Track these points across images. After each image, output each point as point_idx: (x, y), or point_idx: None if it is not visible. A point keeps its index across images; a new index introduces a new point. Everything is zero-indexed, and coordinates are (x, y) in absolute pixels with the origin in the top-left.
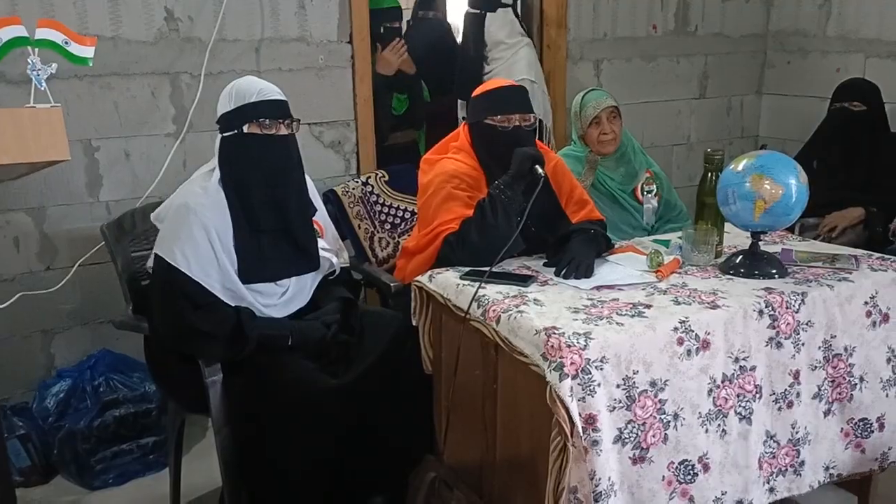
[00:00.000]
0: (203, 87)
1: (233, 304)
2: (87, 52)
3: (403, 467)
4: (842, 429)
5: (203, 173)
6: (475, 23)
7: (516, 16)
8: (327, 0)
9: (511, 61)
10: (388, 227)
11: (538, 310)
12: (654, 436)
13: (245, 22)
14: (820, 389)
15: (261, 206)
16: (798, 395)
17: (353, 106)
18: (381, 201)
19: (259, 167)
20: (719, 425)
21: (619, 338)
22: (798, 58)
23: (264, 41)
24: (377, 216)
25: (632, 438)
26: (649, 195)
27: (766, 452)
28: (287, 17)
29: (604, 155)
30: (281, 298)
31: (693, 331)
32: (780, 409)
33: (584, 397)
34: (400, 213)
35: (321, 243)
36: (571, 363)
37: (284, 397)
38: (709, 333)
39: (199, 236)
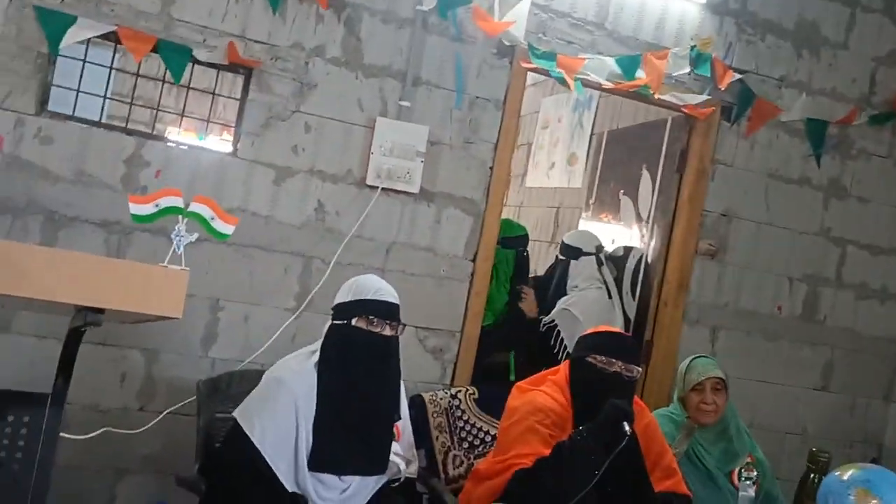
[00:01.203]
0: (331, 272)
1: (290, 489)
2: (227, 229)
3: None
4: None
5: (303, 353)
6: (561, 267)
7: (599, 263)
8: (462, 220)
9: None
10: (466, 445)
11: None
12: None
13: (384, 224)
14: None
15: (352, 394)
16: None
17: (463, 319)
18: (465, 418)
19: (359, 360)
20: None
21: None
22: None
23: (396, 244)
24: (458, 432)
25: None
26: (747, 482)
27: None
28: (422, 228)
29: (702, 425)
30: (342, 494)
31: None
32: None
33: None
34: (481, 435)
35: (395, 447)
36: None
37: None
38: None
39: (283, 410)
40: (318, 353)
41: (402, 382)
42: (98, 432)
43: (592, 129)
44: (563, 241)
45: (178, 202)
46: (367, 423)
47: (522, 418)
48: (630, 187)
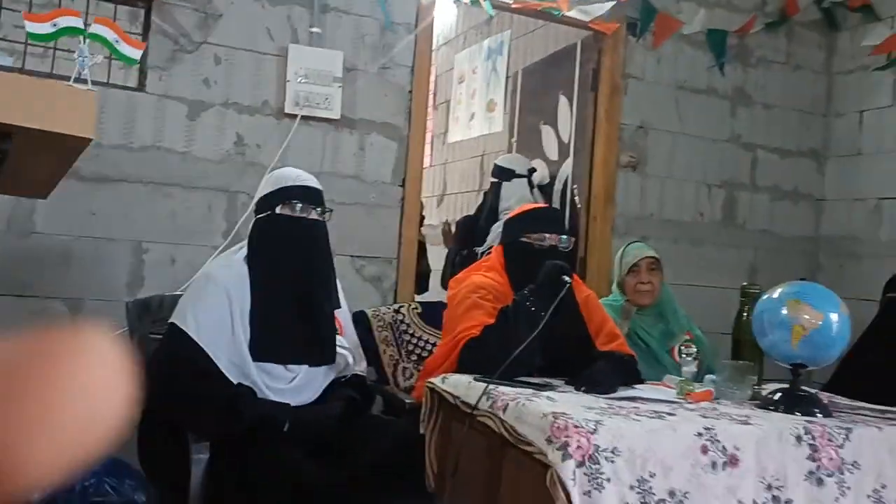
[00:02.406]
0: None
1: (235, 381)
2: (135, 53)
3: None
4: None
5: (229, 251)
6: (493, 191)
7: (531, 186)
8: (386, 146)
9: None
10: (414, 357)
11: (549, 402)
12: None
13: (307, 154)
14: None
15: (283, 280)
16: None
17: (398, 245)
18: (410, 331)
19: (286, 247)
20: None
21: (635, 430)
22: (851, 262)
23: (321, 174)
24: (404, 345)
25: None
26: (688, 358)
27: None
28: (346, 156)
29: (640, 306)
30: (289, 384)
31: (719, 441)
32: None
33: (589, 491)
34: (429, 347)
35: (339, 340)
36: (578, 446)
37: (270, 486)
38: (738, 449)
39: (215, 302)
40: (245, 248)
41: (336, 274)
42: None
43: (507, 73)
44: (495, 164)
45: (77, 22)
46: (305, 310)
47: (464, 298)
48: (549, 116)
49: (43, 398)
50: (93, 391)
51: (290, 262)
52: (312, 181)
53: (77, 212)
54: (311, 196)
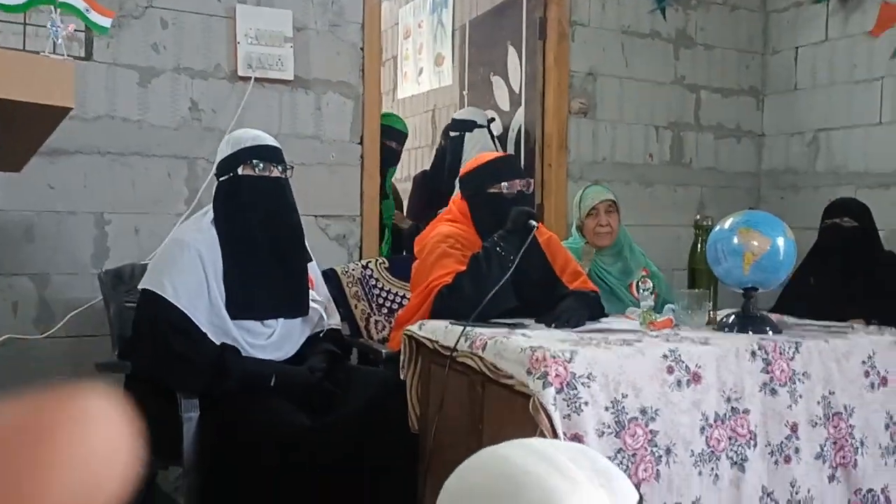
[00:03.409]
0: None
1: (217, 342)
2: (105, 21)
3: None
4: (849, 500)
5: (196, 216)
6: (456, 144)
7: (492, 137)
8: (342, 104)
9: None
10: (384, 311)
11: (525, 338)
12: (645, 470)
13: (264, 117)
14: (823, 450)
15: (253, 239)
16: (797, 450)
17: (360, 203)
18: (379, 285)
19: (252, 206)
20: (712, 469)
21: (607, 356)
22: (791, 193)
23: (280, 136)
24: (375, 299)
25: (622, 470)
26: (646, 292)
27: None
28: (304, 117)
29: (599, 248)
30: (268, 340)
31: (683, 361)
32: (776, 462)
33: (569, 415)
34: (398, 300)
35: (311, 294)
36: (556, 375)
37: (258, 434)
38: (699, 367)
39: (189, 266)
40: (211, 212)
41: (302, 230)
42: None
43: (454, 26)
44: (453, 119)
45: None
46: (276, 265)
47: (434, 248)
48: (499, 67)
49: (41, 475)
50: (95, 463)
51: (258, 220)
52: (270, 140)
53: (35, 187)
54: (270, 154)
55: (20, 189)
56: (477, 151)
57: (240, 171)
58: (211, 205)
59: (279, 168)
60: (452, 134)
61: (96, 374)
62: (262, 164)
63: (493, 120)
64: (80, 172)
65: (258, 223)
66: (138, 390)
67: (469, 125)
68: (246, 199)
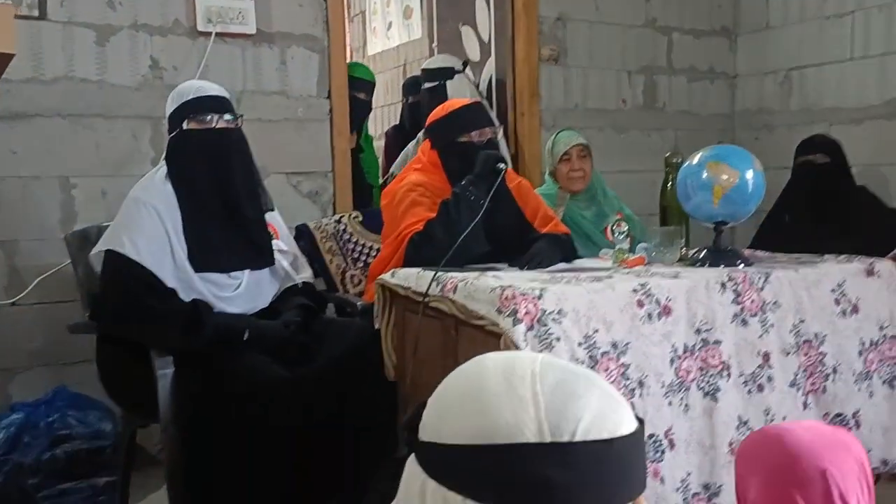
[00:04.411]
0: None
1: (184, 297)
2: None
3: (363, 470)
4: None
5: (149, 174)
6: (439, 93)
7: (470, 80)
8: (308, 58)
9: None
10: (360, 265)
11: (495, 279)
12: None
13: (227, 73)
14: (796, 377)
15: (206, 192)
16: (770, 379)
17: (332, 158)
18: (353, 239)
19: (200, 159)
20: (682, 399)
21: (577, 291)
22: (765, 133)
23: (245, 92)
24: (350, 253)
25: None
26: (620, 236)
27: (738, 438)
28: (268, 72)
29: (573, 192)
30: (234, 292)
31: (653, 294)
32: (749, 391)
33: (541, 351)
34: (373, 253)
35: (276, 244)
36: (526, 312)
37: (235, 386)
38: (670, 300)
39: (149, 224)
40: (164, 167)
41: (260, 178)
42: None
43: None
44: (425, 69)
45: None
46: (230, 216)
47: (403, 197)
48: (468, 16)
49: None
50: None
51: (209, 173)
52: (215, 89)
53: None
54: (216, 105)
55: None
56: (468, 95)
57: (185, 125)
58: (163, 160)
59: (227, 118)
60: (429, 84)
61: (69, 337)
62: (208, 116)
63: (466, 63)
64: (42, 136)
65: (209, 176)
66: (111, 350)
67: (448, 73)
68: (193, 152)
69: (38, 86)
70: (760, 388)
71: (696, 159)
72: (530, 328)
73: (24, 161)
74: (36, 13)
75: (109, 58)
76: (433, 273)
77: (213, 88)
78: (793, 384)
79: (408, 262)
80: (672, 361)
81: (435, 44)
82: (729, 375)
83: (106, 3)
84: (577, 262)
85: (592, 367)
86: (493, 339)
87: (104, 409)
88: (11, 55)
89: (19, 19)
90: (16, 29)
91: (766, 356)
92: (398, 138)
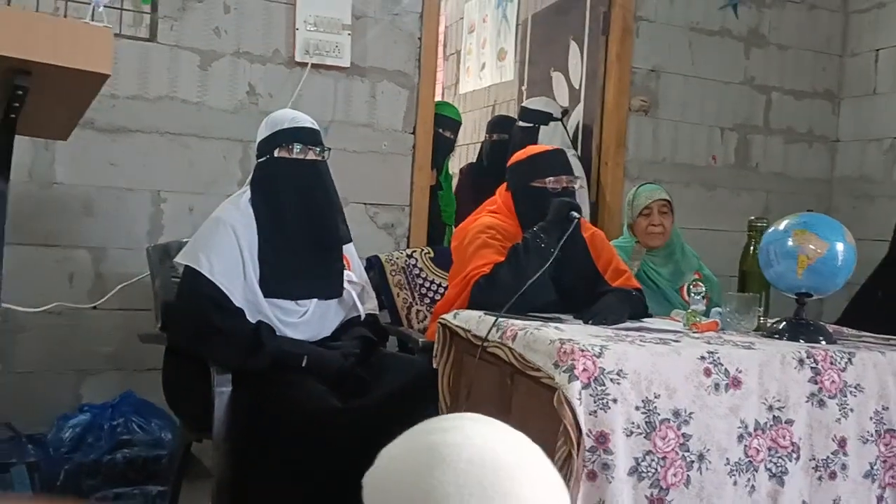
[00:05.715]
0: None
1: (251, 318)
2: None
3: None
4: None
5: (234, 196)
6: (529, 135)
7: (565, 129)
8: (397, 94)
9: None
10: (427, 300)
11: (557, 331)
12: (675, 475)
13: (319, 103)
14: (872, 468)
15: (288, 220)
16: (844, 467)
17: (410, 193)
18: (423, 275)
19: (286, 188)
20: (749, 479)
21: (639, 353)
22: (865, 202)
23: (334, 122)
24: (417, 289)
25: (650, 473)
26: (697, 297)
27: None
28: (358, 104)
29: (651, 248)
30: (300, 318)
31: (722, 364)
32: (820, 478)
33: (595, 411)
34: (441, 290)
35: (347, 275)
36: (584, 369)
37: (288, 412)
38: (740, 371)
39: (225, 243)
40: (248, 191)
41: (342, 210)
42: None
43: (517, 20)
44: (527, 108)
45: None
46: (309, 247)
47: (474, 238)
48: (560, 62)
49: None
50: None
51: (292, 202)
52: (308, 122)
53: (96, 162)
54: (307, 137)
55: (80, 164)
56: (557, 144)
57: (276, 153)
58: (248, 184)
59: (316, 150)
60: (524, 124)
61: (141, 345)
62: (298, 147)
63: (566, 112)
64: (140, 150)
65: (292, 205)
66: (175, 363)
67: (546, 117)
68: (281, 181)
69: (142, 103)
70: (833, 475)
71: (782, 225)
72: (586, 386)
73: (121, 173)
74: (146, 35)
75: (210, 81)
76: (494, 318)
77: (306, 120)
78: (868, 475)
79: (472, 305)
80: (741, 438)
81: (524, 87)
82: (798, 458)
83: (213, 30)
84: (647, 321)
85: (649, 434)
86: (547, 393)
87: (166, 418)
88: (107, 75)
89: (131, 40)
90: (113, 51)
91: (843, 442)
92: (471, 176)
